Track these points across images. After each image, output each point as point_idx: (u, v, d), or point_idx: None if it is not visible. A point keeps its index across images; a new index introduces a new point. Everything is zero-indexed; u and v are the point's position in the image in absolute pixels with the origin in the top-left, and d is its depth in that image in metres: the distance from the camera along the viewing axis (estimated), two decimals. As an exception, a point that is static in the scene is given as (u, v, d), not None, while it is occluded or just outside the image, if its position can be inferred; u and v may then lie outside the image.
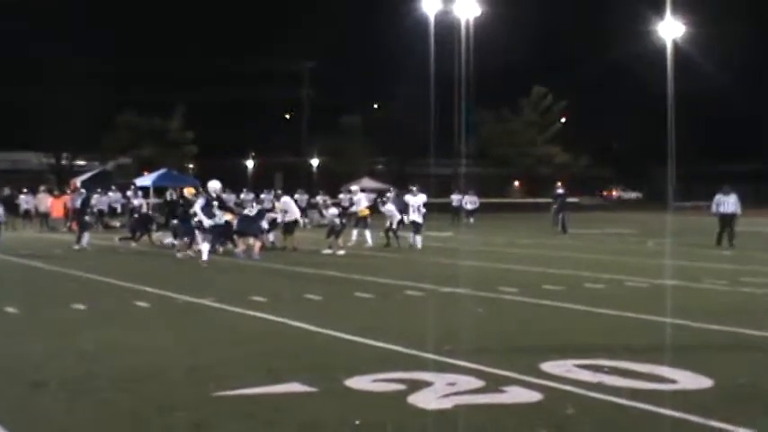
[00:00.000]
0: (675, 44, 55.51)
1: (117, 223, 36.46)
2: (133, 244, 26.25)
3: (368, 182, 63.52)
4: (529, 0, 72.80)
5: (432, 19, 51.57)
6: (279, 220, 25.12)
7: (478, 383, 7.80)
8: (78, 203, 28.51)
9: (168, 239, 25.47)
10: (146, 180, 45.67)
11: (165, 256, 23.28)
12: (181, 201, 25.23)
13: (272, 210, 25.99)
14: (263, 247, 23.02)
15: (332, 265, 20.03)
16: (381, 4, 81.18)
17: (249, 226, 22.78)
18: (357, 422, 6.71)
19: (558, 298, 13.95)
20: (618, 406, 7.15)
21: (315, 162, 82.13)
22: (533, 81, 78.25)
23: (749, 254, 23.17)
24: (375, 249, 25.28)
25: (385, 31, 76.61)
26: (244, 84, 77.19)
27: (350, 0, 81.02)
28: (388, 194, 31.01)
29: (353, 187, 30.04)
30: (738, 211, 26.26)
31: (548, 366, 8.46)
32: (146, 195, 40.68)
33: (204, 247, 19.59)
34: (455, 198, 45.88)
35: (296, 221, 25.51)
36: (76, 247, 25.31)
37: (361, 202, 27.04)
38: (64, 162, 70.00)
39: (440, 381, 7.86)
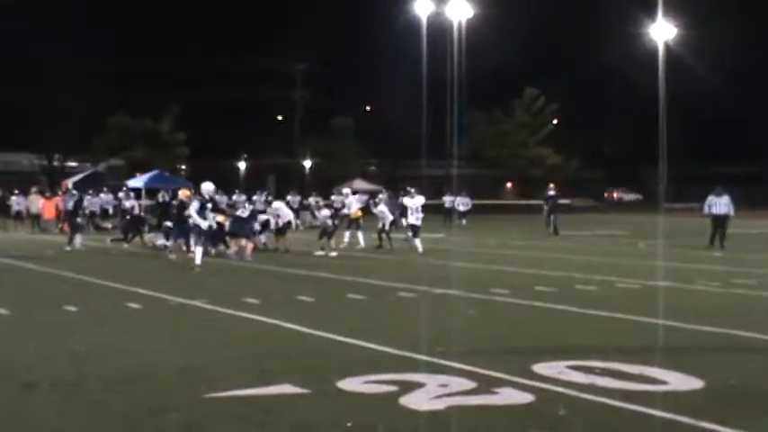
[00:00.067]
0: (667, 46, 55.59)
1: (109, 225, 36.38)
2: (125, 245, 26.21)
3: (360, 183, 63.50)
4: (521, 2, 72.93)
5: (424, 21, 51.58)
6: (272, 225, 25.10)
7: (470, 385, 7.81)
8: (71, 205, 28.43)
9: (160, 241, 25.43)
10: (138, 182, 45.60)
11: (157, 258, 23.25)
12: (175, 202, 25.19)
13: (264, 211, 25.98)
14: (255, 249, 23.01)
15: (324, 267, 20.02)
16: (374, 7, 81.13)
17: (241, 227, 22.78)
18: (349, 424, 6.71)
19: (551, 299, 13.97)
20: (610, 407, 7.17)
21: (307, 163, 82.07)
22: (525, 83, 78.32)
23: (741, 255, 23.23)
24: (367, 251, 25.27)
25: (377, 32, 76.50)
26: (236, 85, 77.08)
27: (342, 2, 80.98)
28: (380, 196, 30.99)
29: (345, 190, 30.02)
30: (731, 212, 26.33)
31: (540, 368, 8.47)
32: (138, 197, 40.63)
33: (198, 251, 19.57)
34: (447, 199, 45.90)
35: (289, 223, 25.54)
36: (68, 248, 25.26)
37: (353, 205, 27.03)
38: (55, 163, 69.88)
39: (432, 382, 7.87)
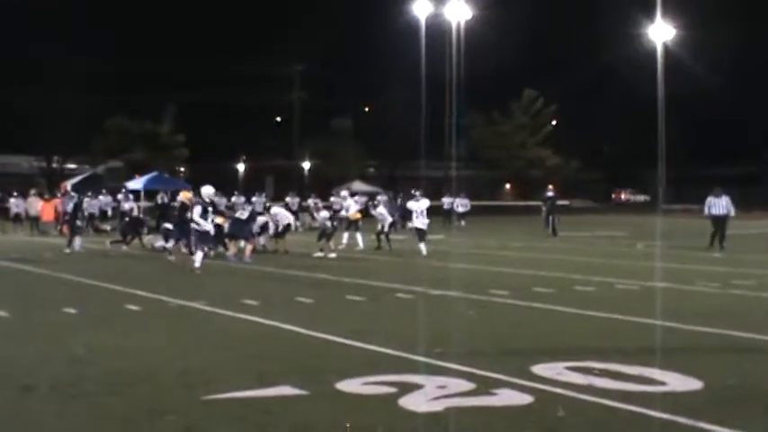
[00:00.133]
0: (666, 47, 55.63)
1: (108, 227, 36.35)
2: (124, 247, 26.20)
3: (359, 185, 63.51)
4: (519, 3, 72.94)
5: (423, 22, 51.61)
6: (271, 230, 25.08)
7: (469, 386, 7.81)
8: (70, 207, 28.42)
9: (159, 243, 25.43)
10: (137, 183, 45.65)
11: (156, 260, 23.24)
12: (176, 204, 25.17)
13: (263, 213, 25.98)
14: (254, 250, 23.01)
15: (323, 268, 20.02)
16: (372, 8, 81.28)
17: (240, 229, 22.78)
18: (348, 425, 6.72)
19: (549, 301, 13.97)
20: (608, 408, 7.18)
21: (306, 165, 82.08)
22: (524, 84, 78.36)
23: (740, 256, 23.24)
24: (366, 252, 25.28)
25: (376, 34, 76.68)
26: (235, 87, 77.13)
27: (341, 4, 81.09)
28: (379, 197, 31.00)
29: (343, 192, 29.96)
30: (731, 212, 26.32)
31: (538, 369, 8.47)
32: (137, 199, 40.66)
33: (199, 255, 19.57)
34: (446, 201, 45.92)
35: (288, 225, 25.55)
36: (67, 250, 25.26)
37: (351, 207, 26.98)
38: (54, 165, 69.83)
39: (430, 383, 7.88)
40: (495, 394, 7.57)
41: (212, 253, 22.92)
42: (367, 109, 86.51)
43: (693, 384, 7.94)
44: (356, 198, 35.22)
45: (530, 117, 78.75)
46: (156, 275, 19.19)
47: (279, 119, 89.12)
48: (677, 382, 7.99)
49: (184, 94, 71.23)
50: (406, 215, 40.12)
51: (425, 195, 26.31)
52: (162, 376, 8.41)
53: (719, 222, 26.11)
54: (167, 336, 10.96)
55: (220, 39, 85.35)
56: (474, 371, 8.36)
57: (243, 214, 23.34)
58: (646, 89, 59.33)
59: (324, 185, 61.52)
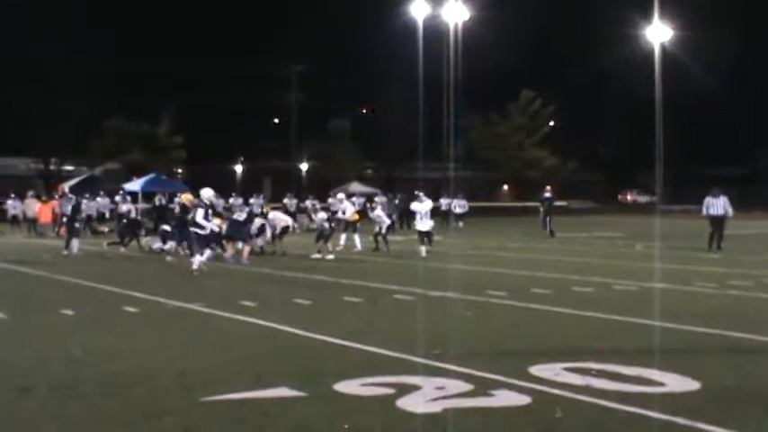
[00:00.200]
0: (663, 48, 55.62)
1: (105, 228, 36.34)
2: (122, 249, 26.20)
3: (357, 186, 63.51)
4: (517, 4, 72.88)
5: (420, 23, 51.58)
6: (269, 234, 25.06)
7: (467, 387, 7.81)
8: (69, 209, 28.39)
9: (157, 244, 25.40)
10: (134, 185, 45.58)
11: (153, 261, 23.23)
12: (176, 206, 25.18)
13: (260, 215, 25.98)
14: (251, 252, 23.01)
15: (321, 270, 20.02)
16: (370, 9, 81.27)
17: (238, 230, 22.77)
18: (346, 426, 6.72)
19: (547, 301, 13.98)
20: (606, 409, 7.18)
21: (304, 167, 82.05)
22: (521, 85, 78.32)
23: (738, 257, 23.25)
24: (364, 254, 25.27)
25: (374, 35, 76.55)
26: (232, 88, 77.04)
27: (338, 5, 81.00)
28: (377, 199, 31.00)
29: (339, 195, 29.88)
30: (730, 212, 26.30)
31: (536, 370, 8.48)
32: (134, 200, 40.62)
33: (197, 258, 19.57)
34: (444, 202, 45.94)
35: (287, 227, 25.53)
36: (65, 252, 25.24)
37: (348, 210, 26.90)
38: (52, 167, 69.73)
39: (428, 384, 7.88)
40: (492, 395, 7.57)
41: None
42: (365, 110, 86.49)
43: (691, 385, 7.94)
44: (353, 199, 35.25)
45: (527, 118, 78.71)
46: (154, 277, 19.19)
47: (276, 120, 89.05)
48: (675, 383, 7.99)
49: (182, 96, 71.16)
50: (404, 216, 40.39)
51: (421, 198, 26.05)
52: (160, 378, 8.40)
53: (717, 223, 26.11)
54: (165, 337, 10.95)
55: (217, 40, 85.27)
56: (472, 372, 8.36)
57: (240, 216, 23.34)
58: (643, 90, 59.36)
59: (322, 187, 61.49)
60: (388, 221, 27.09)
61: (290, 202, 41.25)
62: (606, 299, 14.60)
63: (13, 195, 39.76)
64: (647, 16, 55.47)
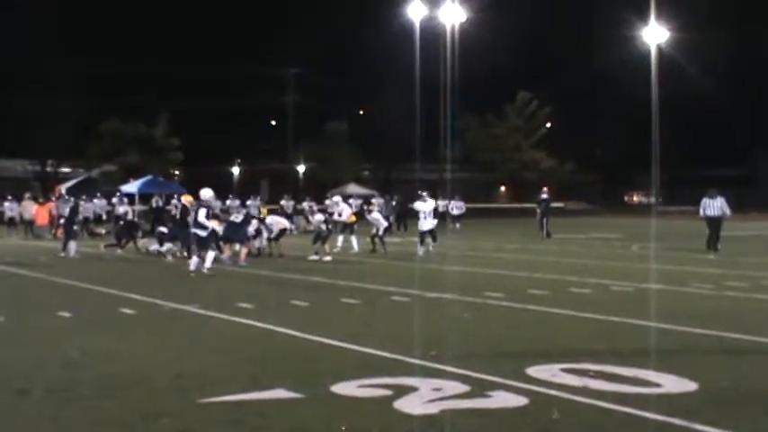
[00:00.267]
0: (660, 49, 55.65)
1: (102, 230, 36.31)
2: (119, 251, 26.17)
3: (354, 188, 63.50)
4: (514, 6, 72.93)
5: (417, 25, 51.58)
6: (265, 235, 25.03)
7: (464, 388, 7.82)
8: (66, 211, 28.36)
9: (154, 246, 25.39)
10: (131, 187, 45.55)
11: (150, 263, 23.22)
12: (174, 208, 25.15)
13: (257, 216, 25.96)
14: (249, 254, 23.00)
15: (318, 272, 20.02)
16: (367, 11, 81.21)
17: (235, 232, 22.74)
18: (343, 428, 6.72)
19: (544, 303, 13.99)
20: (603, 410, 7.18)
21: (301, 168, 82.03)
22: (518, 86, 78.37)
23: (734, 258, 23.26)
24: (361, 255, 25.27)
25: (370, 36, 76.67)
26: (229, 90, 77.05)
27: (335, 7, 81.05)
28: (374, 201, 31.00)
29: (335, 197, 29.83)
30: (727, 213, 26.28)
31: (533, 371, 8.48)
32: (131, 202, 40.62)
33: (194, 259, 19.56)
34: (441, 203, 45.87)
35: (284, 230, 25.52)
36: (62, 254, 25.21)
37: (344, 212, 26.89)
38: (49, 169, 69.62)
39: (426, 386, 7.88)
40: (490, 396, 7.58)
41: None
42: (362, 112, 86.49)
43: (688, 386, 7.95)
44: (351, 201, 35.25)
45: (524, 120, 78.75)
46: (151, 279, 19.18)
47: (274, 122, 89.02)
48: (672, 384, 8.00)
49: (179, 98, 71.12)
50: (401, 218, 40.38)
51: (425, 197, 25.73)
52: (156, 379, 8.40)
53: (714, 224, 26.10)
54: (162, 339, 10.95)
55: (214, 42, 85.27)
56: (469, 373, 8.36)
57: (238, 217, 23.32)
58: (640, 91, 59.31)
59: (319, 189, 61.46)
60: (385, 223, 27.08)
61: (287, 203, 41.25)
62: (603, 300, 14.60)
63: (9, 197, 39.68)
64: (643, 17, 55.48)
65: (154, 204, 39.69)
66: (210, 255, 19.53)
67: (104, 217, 39.86)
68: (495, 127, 78.36)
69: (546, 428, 6.75)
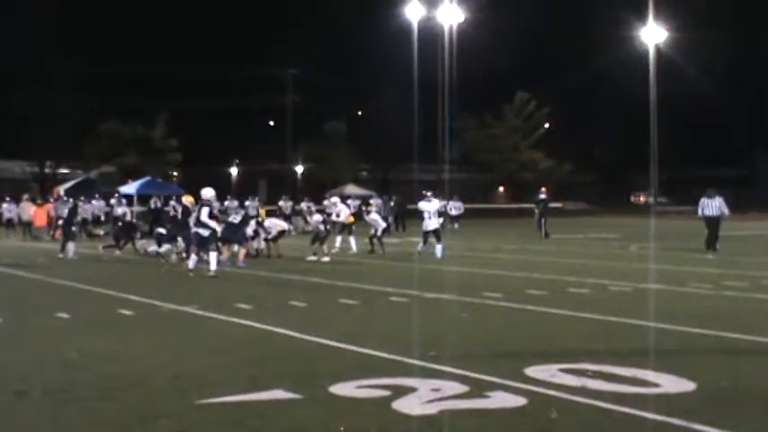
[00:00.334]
0: (658, 50, 55.69)
1: (101, 232, 36.32)
2: (117, 252, 26.17)
3: (352, 188, 63.52)
4: (512, 6, 72.95)
5: (415, 25, 51.61)
6: (263, 236, 25.03)
7: (463, 389, 7.81)
8: (64, 212, 28.35)
9: (152, 247, 25.37)
10: (130, 188, 45.57)
11: (149, 264, 23.20)
12: (173, 209, 25.13)
13: (256, 217, 25.95)
14: (247, 255, 22.99)
15: (316, 272, 20.02)
16: (365, 11, 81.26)
17: (233, 233, 22.70)
18: (342, 428, 6.72)
19: (543, 303, 13.99)
20: (602, 410, 7.18)
21: (299, 169, 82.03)
22: (516, 87, 78.37)
23: (733, 258, 23.26)
24: (359, 256, 25.27)
25: (368, 37, 76.65)
26: (228, 91, 77.04)
27: (334, 7, 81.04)
28: (372, 201, 30.99)
29: (333, 198, 29.81)
30: (726, 213, 26.27)
31: (532, 371, 8.48)
32: (130, 203, 40.61)
33: (192, 259, 19.55)
34: (439, 204, 45.86)
35: (283, 231, 25.52)
36: (60, 255, 25.20)
37: (343, 212, 26.85)
38: (47, 170, 69.65)
39: (424, 386, 7.87)
40: (488, 397, 7.57)
41: (205, 257, 22.85)
42: (360, 112, 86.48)
43: (687, 386, 7.95)
44: (349, 201, 35.25)
45: (522, 120, 78.73)
46: (149, 280, 19.17)
47: (272, 122, 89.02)
48: (671, 384, 7.99)
49: (177, 99, 71.09)
50: (400, 218, 40.40)
51: (429, 197, 25.54)
52: (155, 381, 8.39)
53: (712, 223, 26.10)
54: (160, 340, 10.94)
55: (213, 43, 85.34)
56: (468, 373, 8.36)
57: (236, 218, 23.29)
58: (638, 91, 59.37)
59: (317, 189, 61.48)
60: (383, 224, 27.08)
61: (285, 204, 41.27)
62: (602, 300, 14.60)
63: (8, 199, 39.66)
64: (641, 18, 55.61)
65: (152, 205, 39.74)
66: (213, 256, 19.49)
67: (103, 218, 39.87)
68: (493, 127, 78.34)
69: (544, 428, 6.74)
